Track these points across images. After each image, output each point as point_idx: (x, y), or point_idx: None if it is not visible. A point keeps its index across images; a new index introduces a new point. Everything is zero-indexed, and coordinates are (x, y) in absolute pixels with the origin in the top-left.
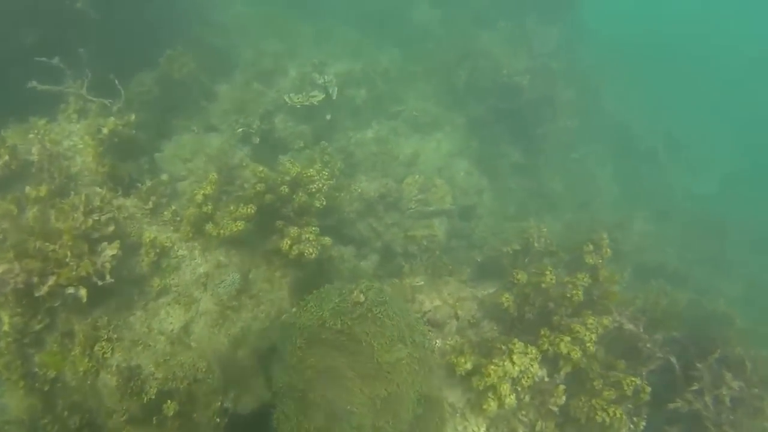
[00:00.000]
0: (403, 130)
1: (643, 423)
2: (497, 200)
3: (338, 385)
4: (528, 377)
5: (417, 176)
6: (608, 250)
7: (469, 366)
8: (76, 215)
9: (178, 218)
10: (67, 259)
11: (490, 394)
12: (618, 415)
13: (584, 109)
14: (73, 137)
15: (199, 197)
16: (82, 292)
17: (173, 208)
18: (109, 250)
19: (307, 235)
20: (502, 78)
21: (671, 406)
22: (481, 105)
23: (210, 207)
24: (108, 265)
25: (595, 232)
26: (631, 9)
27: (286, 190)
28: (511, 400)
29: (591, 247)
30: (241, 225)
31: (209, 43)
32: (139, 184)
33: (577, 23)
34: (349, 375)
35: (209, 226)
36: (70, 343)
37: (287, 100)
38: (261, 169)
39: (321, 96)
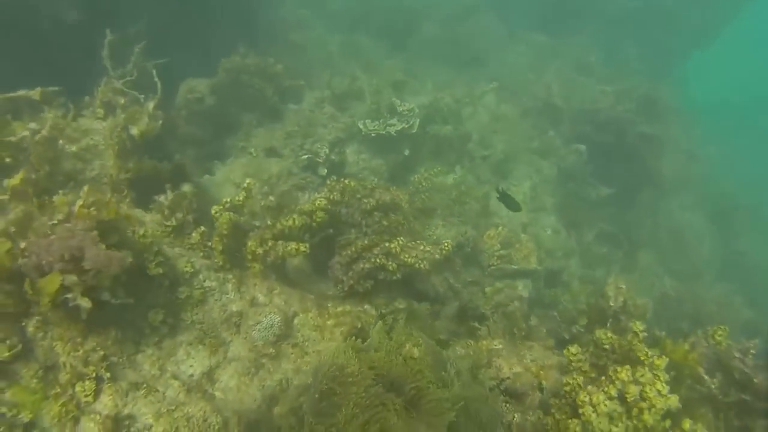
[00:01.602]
0: (488, 177)
1: None
2: (587, 269)
3: None
4: None
5: (500, 228)
6: None
7: None
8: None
9: (210, 243)
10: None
11: None
12: None
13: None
14: (96, 136)
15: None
16: (86, 305)
17: (202, 229)
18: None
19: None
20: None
21: None
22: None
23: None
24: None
25: None
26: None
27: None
28: None
29: None
30: (302, 248)
31: (283, 60)
32: (159, 198)
33: None
34: None
35: (250, 243)
36: (54, 379)
37: (361, 127)
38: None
39: (400, 126)
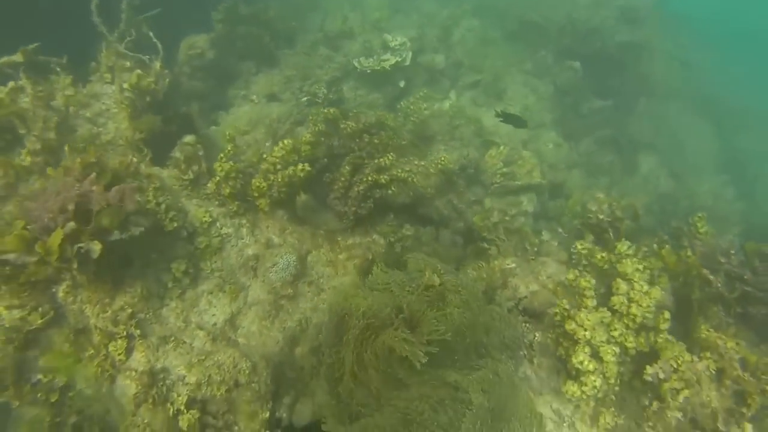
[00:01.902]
0: (484, 100)
1: None
2: (589, 178)
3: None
4: None
5: (501, 147)
6: None
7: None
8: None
9: (224, 184)
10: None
11: None
12: None
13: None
14: (107, 100)
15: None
16: (95, 247)
17: (217, 178)
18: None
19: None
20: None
21: None
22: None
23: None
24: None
25: None
26: None
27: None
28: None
29: None
30: (304, 169)
31: (273, 3)
32: (174, 153)
33: None
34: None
35: (254, 180)
36: (86, 341)
37: (356, 65)
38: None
39: (393, 60)
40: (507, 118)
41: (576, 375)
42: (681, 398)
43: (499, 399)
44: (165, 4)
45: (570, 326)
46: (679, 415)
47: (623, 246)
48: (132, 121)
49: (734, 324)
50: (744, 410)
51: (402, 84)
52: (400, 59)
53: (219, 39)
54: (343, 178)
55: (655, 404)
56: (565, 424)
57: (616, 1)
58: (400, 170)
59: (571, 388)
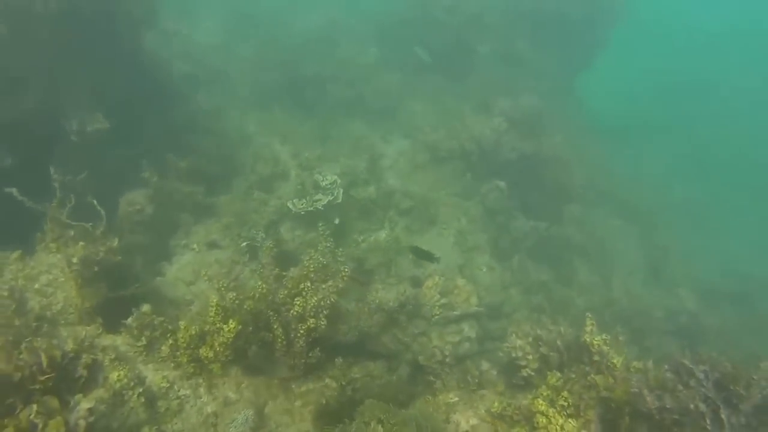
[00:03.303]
0: (418, 226)
1: None
2: (525, 295)
3: None
4: None
5: (436, 278)
6: None
7: None
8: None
9: (178, 353)
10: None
11: None
12: None
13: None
14: (54, 270)
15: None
16: None
17: (170, 341)
18: (85, 403)
19: None
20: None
21: None
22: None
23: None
24: (83, 423)
25: None
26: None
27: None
28: None
29: None
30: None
31: (209, 152)
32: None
33: None
34: None
35: (203, 350)
36: None
37: (291, 207)
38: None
39: (326, 200)
40: (419, 254)
41: None
42: None
43: None
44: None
45: None
46: None
47: (553, 378)
48: (80, 291)
49: None
50: None
51: (337, 221)
52: (332, 197)
53: (156, 195)
54: (280, 339)
55: None
56: None
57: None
58: (314, 299)
59: None
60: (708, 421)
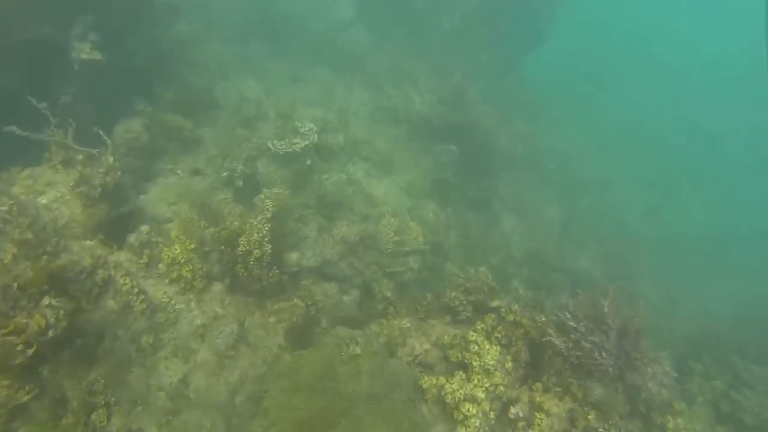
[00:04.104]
0: (376, 172)
1: None
2: (462, 238)
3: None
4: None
5: (392, 219)
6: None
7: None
8: None
9: (171, 269)
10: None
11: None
12: None
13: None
14: (60, 187)
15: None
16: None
17: (168, 259)
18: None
19: None
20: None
21: None
22: (446, 146)
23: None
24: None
25: None
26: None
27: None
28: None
29: None
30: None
31: (192, 84)
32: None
33: None
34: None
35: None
36: (61, 410)
37: (271, 146)
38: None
39: (303, 143)
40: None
41: (462, 419)
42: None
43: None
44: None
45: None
46: None
47: (489, 318)
48: (85, 210)
49: (569, 369)
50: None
51: (309, 162)
52: (308, 142)
53: (151, 124)
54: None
55: None
56: None
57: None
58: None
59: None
60: (596, 353)
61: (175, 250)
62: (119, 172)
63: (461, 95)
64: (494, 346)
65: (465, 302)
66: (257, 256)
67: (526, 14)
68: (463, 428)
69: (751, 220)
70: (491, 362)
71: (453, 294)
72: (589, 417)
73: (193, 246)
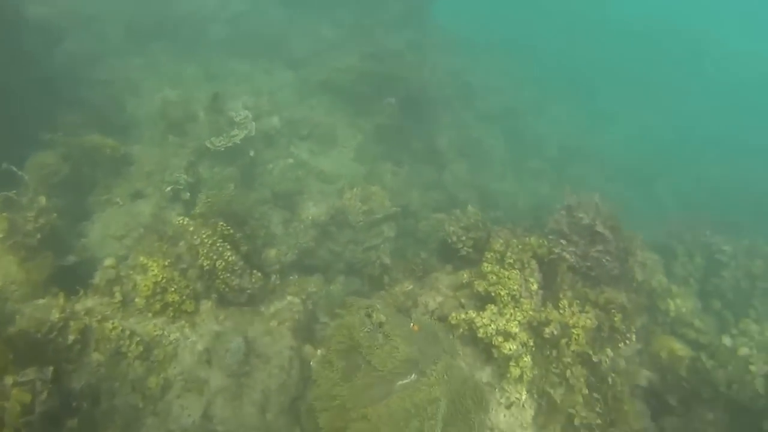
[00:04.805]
0: (320, 148)
1: None
2: (425, 193)
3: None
4: None
5: (354, 189)
6: None
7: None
8: None
9: (156, 299)
10: None
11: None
12: None
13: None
14: None
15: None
16: None
17: (144, 292)
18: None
19: None
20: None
21: None
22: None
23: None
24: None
25: None
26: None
27: None
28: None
29: None
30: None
31: (99, 103)
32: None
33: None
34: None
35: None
36: None
37: (210, 145)
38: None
39: (242, 134)
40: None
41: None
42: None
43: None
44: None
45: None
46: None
47: (496, 243)
48: (24, 265)
49: (581, 280)
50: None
51: (252, 153)
52: (247, 131)
53: (69, 152)
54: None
55: (554, 352)
56: (496, 389)
57: None
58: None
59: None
60: (604, 260)
61: (153, 272)
62: (54, 213)
63: (383, 48)
64: (513, 270)
65: (464, 238)
66: (222, 267)
67: None
68: (516, 367)
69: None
70: (515, 288)
71: (452, 229)
72: (615, 319)
73: (169, 262)
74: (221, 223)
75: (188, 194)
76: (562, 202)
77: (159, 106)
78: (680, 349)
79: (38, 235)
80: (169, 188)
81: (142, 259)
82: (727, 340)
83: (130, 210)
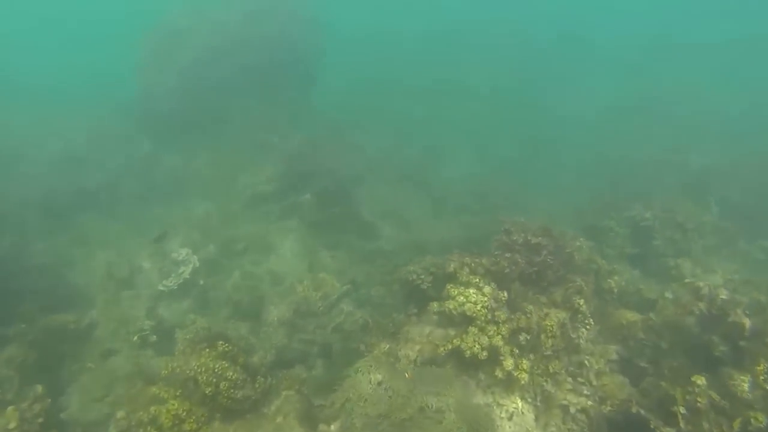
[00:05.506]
0: (261, 257)
1: None
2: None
3: None
4: None
5: (304, 281)
6: None
7: None
8: None
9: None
10: None
11: None
12: None
13: None
14: None
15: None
16: None
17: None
18: None
19: None
20: None
21: None
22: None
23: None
24: None
25: None
26: None
27: None
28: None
29: None
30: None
31: (44, 287)
32: None
33: None
34: None
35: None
36: None
37: (163, 288)
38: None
39: (189, 269)
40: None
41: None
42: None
43: None
44: None
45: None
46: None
47: (451, 267)
48: None
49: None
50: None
51: (202, 282)
52: (192, 264)
53: (34, 339)
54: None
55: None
56: (494, 406)
57: None
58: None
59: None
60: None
61: (172, 405)
62: (49, 399)
63: (285, 153)
64: (480, 284)
65: (423, 275)
66: (226, 387)
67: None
68: (523, 372)
69: None
70: (485, 300)
71: (411, 268)
72: (580, 302)
73: (179, 392)
74: (220, 342)
75: (154, 337)
76: (493, 228)
77: (103, 269)
78: (632, 315)
79: (40, 419)
80: (135, 337)
81: (154, 389)
82: (668, 293)
83: (104, 369)
